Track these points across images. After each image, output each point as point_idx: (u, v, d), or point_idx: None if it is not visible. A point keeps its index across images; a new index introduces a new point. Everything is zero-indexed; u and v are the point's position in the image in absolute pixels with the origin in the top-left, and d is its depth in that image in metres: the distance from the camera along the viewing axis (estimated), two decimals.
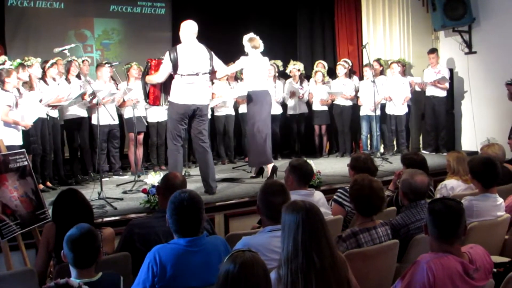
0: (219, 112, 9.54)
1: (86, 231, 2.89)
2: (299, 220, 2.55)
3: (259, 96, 7.23)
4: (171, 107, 6.46)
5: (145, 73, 6.76)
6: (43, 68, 7.49)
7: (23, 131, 6.66)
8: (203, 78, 6.41)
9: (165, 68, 6.37)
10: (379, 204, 3.60)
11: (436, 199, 2.98)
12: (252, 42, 7.19)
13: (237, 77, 9.71)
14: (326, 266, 2.49)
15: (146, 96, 6.83)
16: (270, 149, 7.32)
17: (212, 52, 6.55)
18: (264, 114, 7.25)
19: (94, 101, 7.57)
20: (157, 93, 6.72)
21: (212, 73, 6.59)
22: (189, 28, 6.46)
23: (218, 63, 6.61)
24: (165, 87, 6.66)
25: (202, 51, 6.44)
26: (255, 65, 7.22)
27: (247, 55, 7.30)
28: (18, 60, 7.11)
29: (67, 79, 8.00)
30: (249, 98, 7.33)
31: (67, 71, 7.97)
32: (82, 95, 7.63)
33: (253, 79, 7.25)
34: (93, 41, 10.91)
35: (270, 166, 7.29)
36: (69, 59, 7.60)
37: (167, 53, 6.34)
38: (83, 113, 8.06)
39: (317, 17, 11.72)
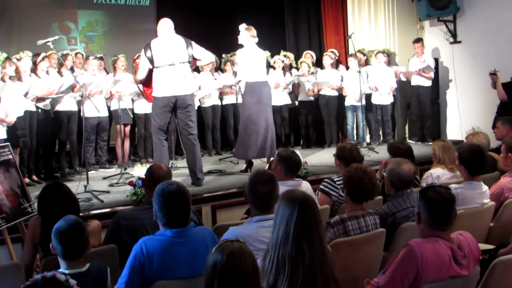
0: (205, 104, 9.51)
1: (73, 222, 2.90)
2: (295, 209, 2.55)
3: (256, 87, 7.08)
4: (154, 101, 6.44)
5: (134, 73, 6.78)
6: (34, 62, 7.41)
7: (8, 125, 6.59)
8: (181, 68, 6.35)
9: (143, 64, 6.40)
10: (372, 189, 3.66)
11: (428, 187, 3.00)
12: (250, 31, 7.07)
13: (220, 68, 9.67)
14: (314, 259, 2.49)
15: (142, 92, 6.90)
16: (271, 141, 7.12)
17: (192, 41, 6.49)
18: (261, 106, 7.07)
19: (80, 93, 7.50)
20: (151, 89, 6.65)
21: (193, 60, 6.55)
22: (164, 24, 6.46)
23: (199, 50, 6.54)
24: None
25: (177, 41, 6.39)
26: (252, 56, 7.10)
27: (241, 46, 7.18)
28: (5, 55, 7.03)
29: (59, 72, 7.95)
30: (246, 89, 7.21)
31: (61, 64, 7.89)
32: (72, 88, 7.56)
33: (249, 70, 7.11)
34: (77, 34, 10.81)
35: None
36: (65, 52, 7.56)
37: (142, 50, 6.36)
38: (74, 107, 7.98)
39: (303, 7, 11.70)
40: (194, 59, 6.57)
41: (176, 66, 6.30)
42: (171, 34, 6.43)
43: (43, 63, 7.52)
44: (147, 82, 6.59)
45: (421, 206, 2.90)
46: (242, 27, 7.15)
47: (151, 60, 6.26)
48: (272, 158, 7.03)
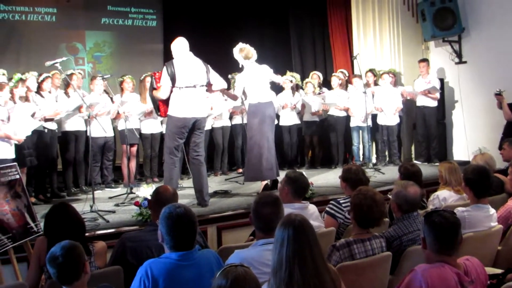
0: (216, 124, 9.54)
1: (67, 247, 2.88)
2: (285, 235, 2.54)
3: (259, 108, 7.06)
4: (170, 120, 6.42)
5: (152, 87, 6.64)
6: (37, 82, 7.47)
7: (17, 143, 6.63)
8: (200, 91, 6.41)
9: (166, 83, 6.31)
10: (378, 217, 3.62)
11: (432, 211, 2.98)
12: (242, 53, 7.05)
13: (229, 88, 9.70)
14: (309, 282, 2.47)
15: (157, 109, 6.75)
16: (272, 164, 7.09)
17: (209, 66, 6.55)
18: (264, 127, 7.04)
19: (87, 113, 7.54)
20: (165, 106, 6.64)
21: (208, 85, 6.57)
22: (181, 44, 6.47)
23: (214, 76, 6.59)
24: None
25: (198, 64, 6.45)
26: (252, 77, 7.07)
27: (242, 68, 7.22)
28: (19, 75, 7.10)
29: (66, 93, 8.00)
30: (249, 110, 7.21)
31: (67, 85, 7.94)
32: (79, 108, 7.61)
33: (252, 92, 7.12)
34: (84, 54, 10.93)
35: (263, 183, 7.18)
36: (69, 72, 7.61)
37: (164, 68, 6.33)
38: (82, 127, 8.04)
39: (309, 28, 11.81)
40: (209, 85, 6.59)
41: (197, 89, 6.35)
42: (190, 54, 6.46)
43: (46, 84, 7.60)
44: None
45: (426, 231, 2.88)
46: (235, 50, 7.11)
47: (173, 79, 6.25)
48: (266, 182, 7.12)
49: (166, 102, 6.47)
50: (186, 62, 6.37)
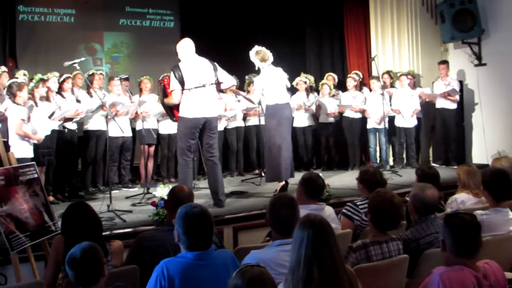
0: (230, 125, 9.56)
1: (86, 249, 2.88)
2: (304, 235, 2.54)
3: (276, 109, 7.13)
4: (181, 122, 6.40)
5: (164, 94, 6.62)
6: (58, 82, 7.55)
7: (37, 143, 6.71)
8: (210, 89, 6.40)
9: (175, 87, 6.27)
10: (396, 220, 3.59)
11: (453, 214, 2.96)
12: (259, 55, 7.14)
13: (243, 89, 9.71)
14: (327, 283, 2.46)
15: (172, 115, 6.72)
16: (288, 164, 7.17)
17: (216, 63, 6.54)
18: (282, 128, 7.12)
19: (106, 113, 7.60)
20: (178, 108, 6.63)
21: (217, 84, 6.56)
22: (186, 45, 6.47)
23: (222, 73, 6.58)
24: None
25: (205, 63, 6.44)
26: (269, 79, 7.14)
27: (258, 70, 7.26)
28: (39, 75, 7.17)
29: (88, 92, 8.09)
30: (267, 112, 7.27)
31: (90, 83, 8.01)
32: (101, 106, 7.67)
33: (270, 93, 7.17)
34: (102, 55, 11.02)
35: (281, 183, 7.21)
36: (91, 72, 7.66)
37: (171, 72, 6.31)
38: (103, 126, 8.05)
39: (325, 30, 11.79)
40: (218, 83, 6.59)
41: (206, 88, 6.34)
42: (195, 55, 6.47)
43: (66, 84, 7.68)
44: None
45: (446, 233, 2.85)
46: (252, 53, 7.19)
47: (181, 82, 6.23)
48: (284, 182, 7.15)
49: (178, 106, 6.45)
50: (192, 62, 6.36)
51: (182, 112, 6.33)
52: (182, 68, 6.27)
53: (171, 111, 6.68)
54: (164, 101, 6.63)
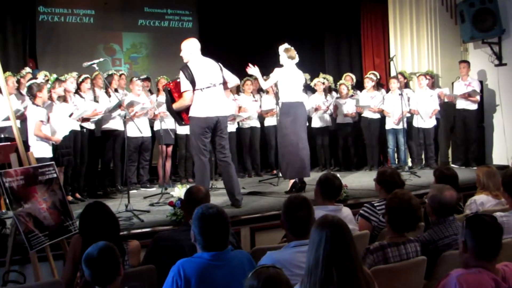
0: (244, 125, 9.58)
1: (103, 248, 2.90)
2: (322, 236, 2.52)
3: (292, 107, 7.23)
4: (193, 122, 6.34)
5: (171, 100, 6.52)
6: (77, 83, 7.62)
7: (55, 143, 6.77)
8: (220, 89, 6.40)
9: (187, 87, 6.23)
10: (414, 222, 3.56)
11: (475, 215, 2.92)
12: (288, 52, 7.25)
13: (261, 89, 9.72)
14: (345, 282, 2.45)
15: (181, 119, 6.65)
16: (304, 162, 7.25)
17: (220, 64, 6.53)
18: (297, 126, 7.22)
19: (124, 113, 7.65)
20: (187, 111, 6.62)
21: (224, 84, 6.54)
22: (194, 45, 6.46)
23: (227, 73, 6.58)
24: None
25: (212, 63, 6.43)
26: (290, 76, 7.24)
27: (281, 66, 7.31)
28: (55, 75, 7.24)
29: (106, 92, 8.15)
30: (282, 109, 7.36)
31: (109, 84, 8.07)
32: (119, 105, 7.72)
33: (287, 90, 7.26)
34: (121, 55, 11.10)
35: (291, 181, 7.28)
36: (110, 72, 7.71)
37: (181, 73, 6.27)
38: (121, 126, 8.11)
39: (343, 30, 11.80)
40: (225, 83, 6.57)
41: (217, 87, 6.34)
42: (201, 56, 6.46)
43: (85, 84, 7.73)
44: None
45: (468, 235, 2.81)
46: (281, 48, 7.30)
47: (192, 82, 6.21)
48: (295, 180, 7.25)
49: (187, 108, 6.39)
50: (201, 63, 6.35)
51: (195, 112, 6.28)
52: (192, 67, 6.25)
53: (179, 115, 6.61)
54: (171, 107, 6.50)
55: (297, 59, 7.32)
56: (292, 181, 7.30)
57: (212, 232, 2.96)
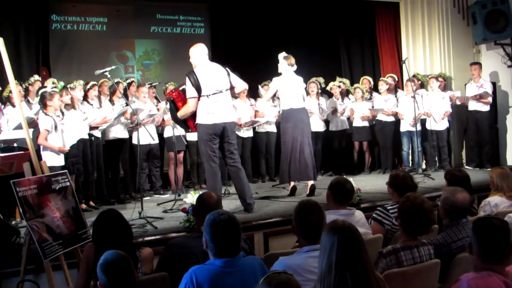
0: (261, 129, 9.58)
1: (117, 258, 2.92)
2: (334, 241, 2.52)
3: (292, 114, 7.39)
4: (200, 129, 6.32)
5: (175, 109, 6.50)
6: (85, 90, 7.65)
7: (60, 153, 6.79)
8: (226, 95, 6.39)
9: (192, 94, 6.22)
10: (427, 225, 3.55)
11: (482, 218, 2.90)
12: (288, 60, 7.37)
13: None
14: (359, 286, 2.44)
15: (187, 127, 6.68)
16: (304, 167, 7.39)
17: (227, 68, 6.51)
18: (297, 132, 7.35)
19: (135, 121, 7.69)
20: (193, 117, 6.63)
21: (231, 89, 6.54)
22: (202, 51, 6.46)
23: (235, 78, 6.55)
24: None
25: (219, 69, 6.41)
26: (288, 83, 7.38)
27: (279, 74, 7.41)
28: (62, 83, 7.28)
29: (111, 100, 8.17)
30: (283, 116, 7.54)
31: (113, 93, 8.12)
32: (123, 114, 7.75)
33: (286, 98, 7.41)
34: (134, 62, 11.15)
35: (310, 183, 7.39)
36: (116, 80, 7.75)
37: (187, 79, 6.25)
38: (125, 135, 8.17)
39: (358, 34, 11.82)
40: (232, 88, 6.56)
41: (223, 93, 6.33)
42: (208, 61, 6.47)
43: (92, 91, 7.75)
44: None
45: (473, 238, 2.80)
46: (281, 56, 7.43)
47: (198, 88, 6.19)
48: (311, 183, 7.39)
49: (193, 115, 6.39)
50: (207, 68, 6.33)
51: (201, 119, 6.27)
52: (198, 74, 6.23)
53: (184, 122, 6.61)
54: (176, 116, 6.50)
55: (295, 67, 7.45)
56: (292, 183, 7.52)
57: (224, 238, 2.95)
